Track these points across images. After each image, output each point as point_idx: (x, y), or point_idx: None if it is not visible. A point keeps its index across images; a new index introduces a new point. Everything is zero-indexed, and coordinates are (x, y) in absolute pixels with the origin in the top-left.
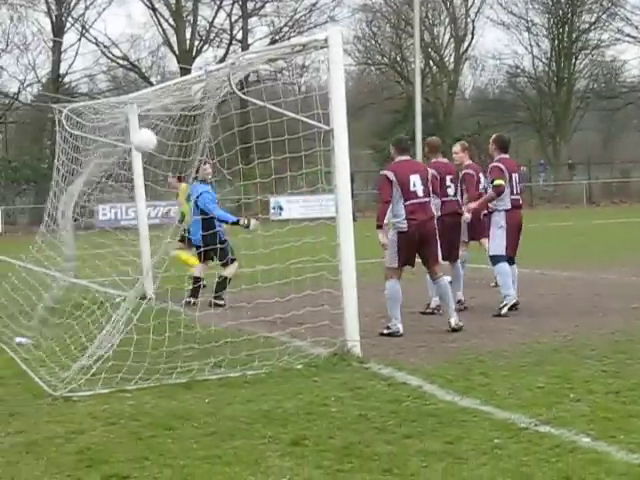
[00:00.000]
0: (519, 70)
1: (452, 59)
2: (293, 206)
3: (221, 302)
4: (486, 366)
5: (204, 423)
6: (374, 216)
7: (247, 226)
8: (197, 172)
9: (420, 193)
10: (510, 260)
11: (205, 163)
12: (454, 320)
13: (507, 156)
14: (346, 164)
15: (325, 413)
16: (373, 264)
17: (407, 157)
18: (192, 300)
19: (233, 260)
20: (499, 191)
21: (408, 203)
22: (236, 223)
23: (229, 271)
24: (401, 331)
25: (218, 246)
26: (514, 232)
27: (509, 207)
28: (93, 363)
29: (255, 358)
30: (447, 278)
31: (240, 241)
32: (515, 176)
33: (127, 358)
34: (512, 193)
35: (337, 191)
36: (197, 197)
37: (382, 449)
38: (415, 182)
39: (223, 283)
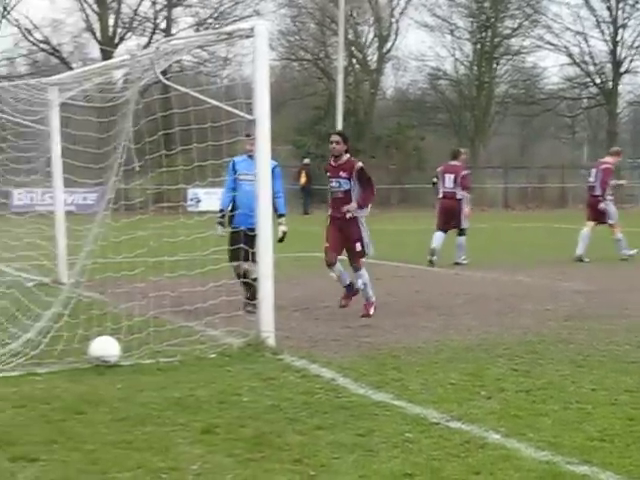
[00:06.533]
0: (441, 72)
1: (375, 58)
2: (212, 198)
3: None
4: (399, 361)
5: (115, 408)
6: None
7: None
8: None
9: None
10: None
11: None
12: None
13: None
14: (268, 154)
15: (237, 402)
16: (288, 258)
17: None
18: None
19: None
20: None
21: None
22: None
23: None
24: None
25: None
26: None
27: None
28: (22, 347)
29: (169, 346)
30: None
31: (161, 229)
32: None
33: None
34: None
35: (257, 180)
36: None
37: (293, 439)
38: None
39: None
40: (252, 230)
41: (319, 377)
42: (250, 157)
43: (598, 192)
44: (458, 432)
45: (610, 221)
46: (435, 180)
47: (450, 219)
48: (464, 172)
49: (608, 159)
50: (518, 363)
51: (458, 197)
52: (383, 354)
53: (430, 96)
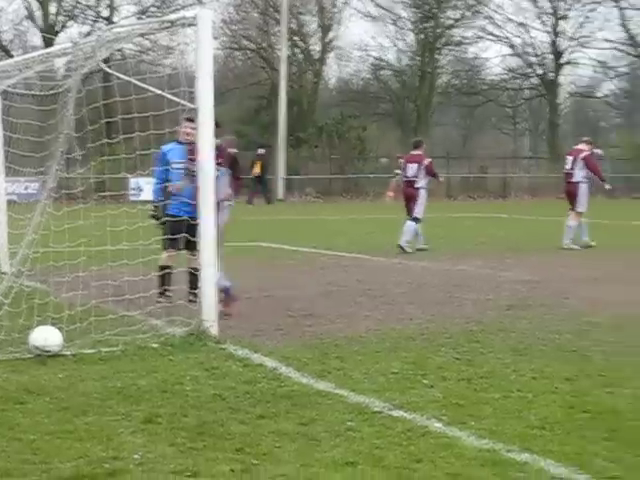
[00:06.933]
0: (384, 63)
1: (318, 48)
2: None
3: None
4: (342, 350)
5: (56, 398)
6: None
7: None
8: None
9: None
10: None
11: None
12: None
13: None
14: (210, 143)
15: (180, 392)
16: (229, 247)
17: None
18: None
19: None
20: None
21: None
22: None
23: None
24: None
25: None
26: None
27: None
28: None
29: (111, 336)
30: None
31: (103, 218)
32: None
33: None
34: None
35: (199, 168)
36: None
37: (236, 429)
38: None
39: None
40: (194, 219)
41: (262, 366)
42: (180, 143)
43: (575, 179)
44: (400, 420)
45: (578, 209)
46: (398, 171)
47: (411, 206)
48: (426, 161)
49: (584, 147)
50: (460, 352)
51: (417, 186)
52: (325, 343)
53: (373, 86)
